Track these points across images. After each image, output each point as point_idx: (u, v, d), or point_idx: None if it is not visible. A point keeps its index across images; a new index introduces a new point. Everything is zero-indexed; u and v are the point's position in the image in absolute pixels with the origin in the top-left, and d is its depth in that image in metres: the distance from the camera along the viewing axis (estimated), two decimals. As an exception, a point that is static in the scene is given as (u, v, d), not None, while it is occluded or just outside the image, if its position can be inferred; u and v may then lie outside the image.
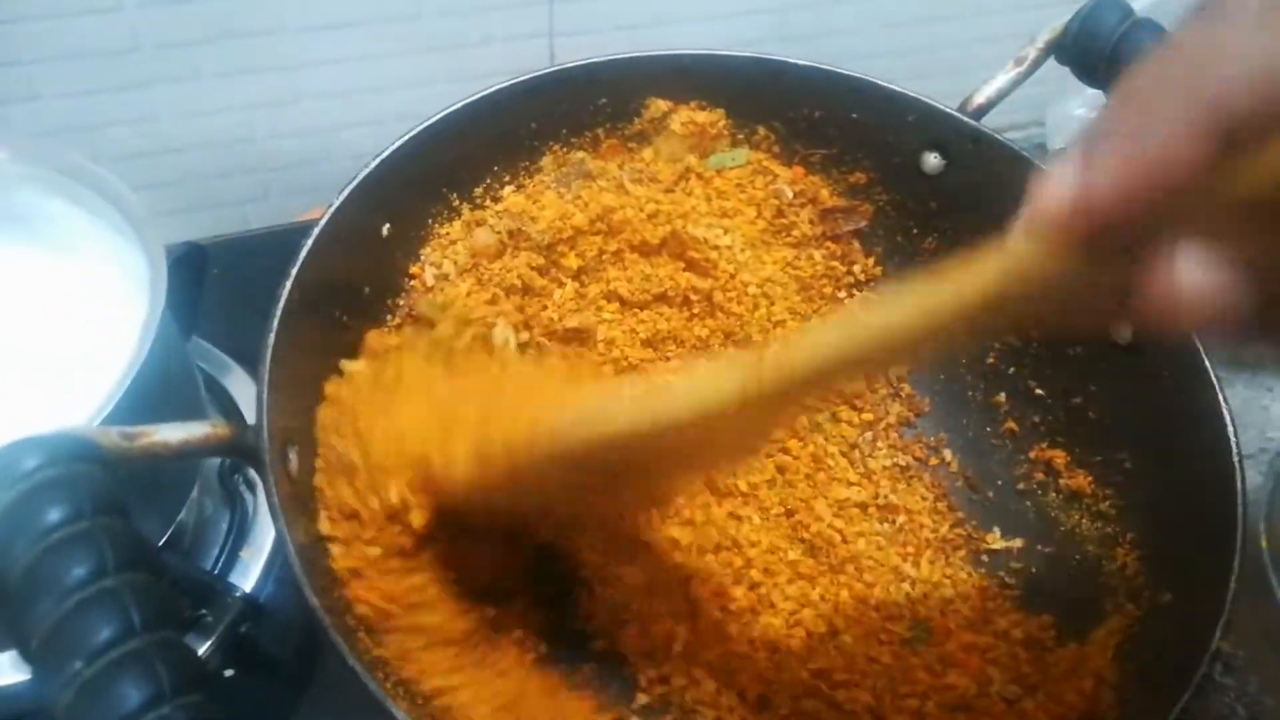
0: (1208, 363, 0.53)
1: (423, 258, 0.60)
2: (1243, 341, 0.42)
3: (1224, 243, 0.25)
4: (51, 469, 0.36)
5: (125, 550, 0.36)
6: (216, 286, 0.70)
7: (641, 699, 0.53)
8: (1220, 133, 0.23)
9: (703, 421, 0.38)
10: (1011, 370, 0.64)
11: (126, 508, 0.37)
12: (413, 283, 0.59)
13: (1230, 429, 0.51)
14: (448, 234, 0.61)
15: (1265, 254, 0.25)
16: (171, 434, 0.42)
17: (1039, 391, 0.63)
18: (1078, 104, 0.97)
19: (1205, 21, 0.24)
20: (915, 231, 0.67)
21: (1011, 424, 0.64)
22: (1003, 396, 0.64)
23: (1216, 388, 0.52)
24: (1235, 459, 0.50)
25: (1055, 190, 0.26)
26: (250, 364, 0.70)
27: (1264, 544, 0.63)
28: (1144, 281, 0.26)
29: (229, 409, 0.68)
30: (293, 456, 0.49)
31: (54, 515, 0.35)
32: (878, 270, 0.68)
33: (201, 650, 0.55)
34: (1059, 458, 0.61)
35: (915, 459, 0.65)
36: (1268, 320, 0.25)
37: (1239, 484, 0.49)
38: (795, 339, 0.36)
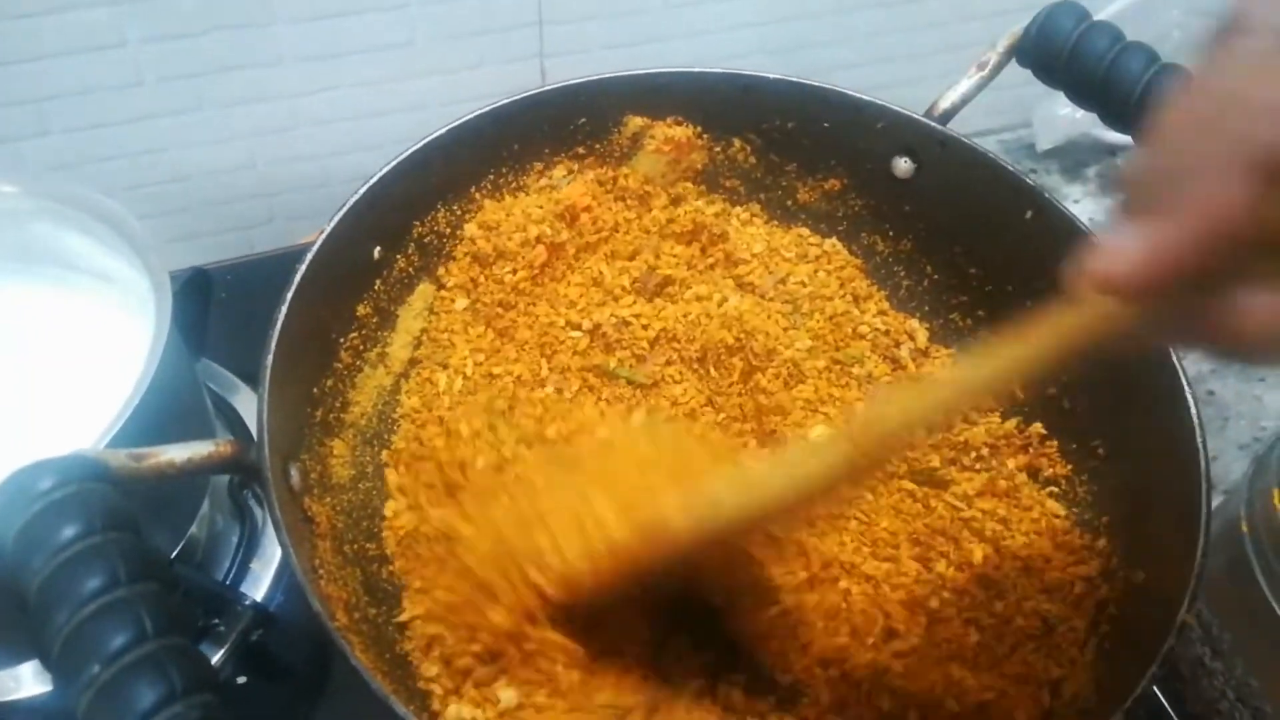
0: (1172, 350, 0.54)
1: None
2: None
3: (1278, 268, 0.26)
4: (64, 489, 0.39)
5: (136, 562, 0.38)
6: (223, 309, 0.72)
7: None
8: (1262, 171, 0.24)
9: (806, 496, 0.41)
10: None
11: (137, 523, 0.40)
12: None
13: (1193, 411, 0.52)
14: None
15: None
16: (177, 453, 0.44)
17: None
18: (1062, 104, 0.98)
19: (1222, 64, 0.25)
20: (891, 234, 0.69)
21: (994, 416, 0.66)
22: (983, 390, 0.67)
23: (1180, 374, 0.53)
24: (1199, 440, 0.52)
25: (1116, 254, 0.27)
26: (256, 383, 0.73)
27: (1244, 529, 0.65)
28: (1208, 312, 0.27)
29: (237, 427, 0.71)
30: (294, 472, 0.51)
31: (68, 531, 0.38)
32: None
33: (215, 658, 0.58)
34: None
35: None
36: None
37: (1203, 462, 0.51)
38: (882, 408, 0.38)
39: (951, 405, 0.37)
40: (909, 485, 0.63)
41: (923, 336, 0.68)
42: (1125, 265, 0.27)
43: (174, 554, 0.61)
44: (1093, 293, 0.29)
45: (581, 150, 0.66)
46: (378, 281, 0.61)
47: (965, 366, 0.35)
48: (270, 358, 0.50)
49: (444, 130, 0.59)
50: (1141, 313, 0.29)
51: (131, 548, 0.39)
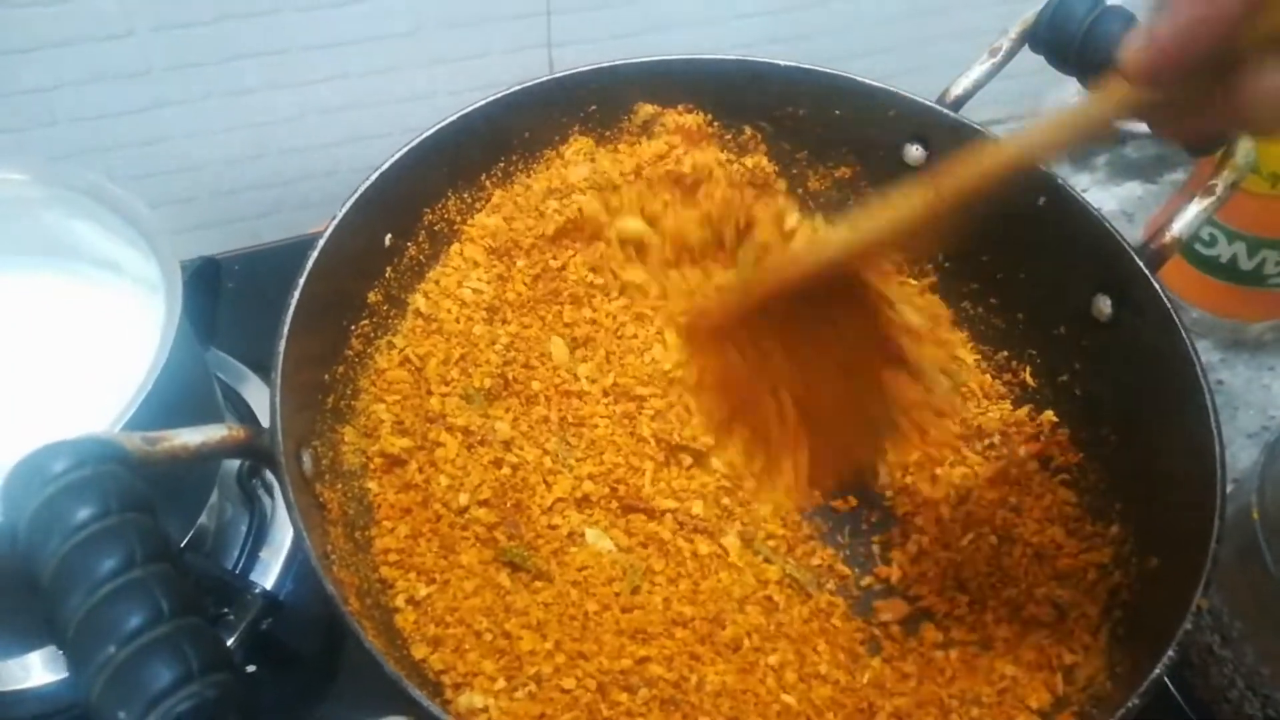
0: (1185, 334, 0.54)
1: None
2: None
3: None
4: (79, 471, 0.38)
5: (152, 543, 0.38)
6: (232, 299, 0.72)
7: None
8: None
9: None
10: (1004, 354, 0.66)
11: (152, 505, 0.40)
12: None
13: (1207, 395, 0.52)
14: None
15: None
16: (191, 437, 0.44)
17: (1026, 370, 0.65)
18: (1071, 93, 0.98)
19: None
20: (903, 222, 0.68)
21: (1006, 404, 0.66)
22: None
23: (1194, 358, 0.53)
24: (1213, 424, 0.51)
25: (1134, 45, 0.34)
26: (266, 372, 0.73)
27: (1255, 515, 0.65)
28: (1217, 96, 0.33)
29: (246, 415, 0.71)
30: (306, 457, 0.51)
31: (83, 513, 0.37)
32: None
33: (226, 646, 0.58)
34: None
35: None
36: None
37: (1218, 446, 0.51)
38: (958, 166, 0.43)
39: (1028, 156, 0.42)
40: (920, 473, 0.63)
41: (934, 324, 0.68)
42: (1137, 51, 0.33)
43: (184, 543, 0.61)
44: (1124, 77, 0.35)
45: (593, 139, 0.66)
46: (389, 269, 0.61)
47: (1033, 130, 0.41)
48: (283, 344, 0.50)
49: (454, 117, 0.59)
50: (1159, 94, 0.35)
51: (147, 529, 0.38)
